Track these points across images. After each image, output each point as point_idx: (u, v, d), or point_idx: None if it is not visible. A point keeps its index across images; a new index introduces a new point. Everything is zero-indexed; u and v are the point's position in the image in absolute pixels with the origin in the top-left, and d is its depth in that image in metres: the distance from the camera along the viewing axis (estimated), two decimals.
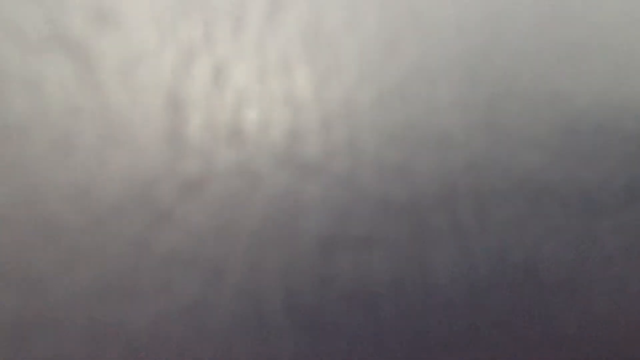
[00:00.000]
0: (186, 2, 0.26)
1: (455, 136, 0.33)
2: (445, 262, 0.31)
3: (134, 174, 0.25)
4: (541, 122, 0.36)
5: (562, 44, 0.37)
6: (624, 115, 0.38)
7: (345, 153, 0.29)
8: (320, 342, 0.27)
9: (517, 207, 0.34)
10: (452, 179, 0.32)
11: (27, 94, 0.23)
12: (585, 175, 0.37)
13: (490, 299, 0.33)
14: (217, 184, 0.26)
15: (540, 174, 0.35)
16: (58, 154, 0.23)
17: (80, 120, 0.24)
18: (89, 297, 0.23)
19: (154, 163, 0.25)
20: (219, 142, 0.26)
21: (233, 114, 0.27)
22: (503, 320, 0.33)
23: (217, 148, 0.26)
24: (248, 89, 0.27)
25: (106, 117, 0.24)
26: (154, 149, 0.25)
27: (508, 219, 0.34)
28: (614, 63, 0.38)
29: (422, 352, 0.30)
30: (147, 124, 0.25)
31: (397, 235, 0.30)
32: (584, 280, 0.36)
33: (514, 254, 0.34)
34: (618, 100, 0.38)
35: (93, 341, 0.23)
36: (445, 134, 0.33)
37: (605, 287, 0.37)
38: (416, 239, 0.31)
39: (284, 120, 0.28)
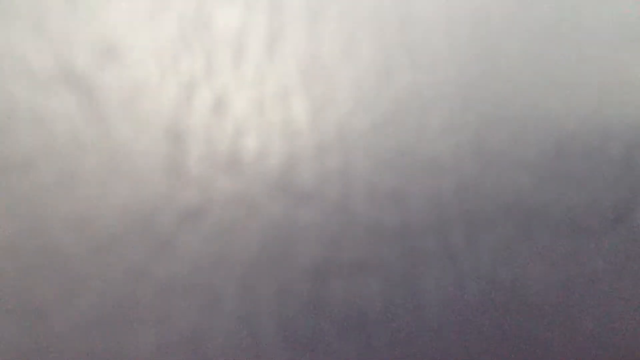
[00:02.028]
0: (187, 35, 0.27)
1: (446, 161, 0.34)
2: (436, 285, 0.32)
3: (135, 203, 0.25)
4: (529, 146, 0.37)
5: (550, 71, 0.38)
6: (609, 140, 0.39)
7: (339, 180, 0.30)
8: None
9: (506, 230, 0.35)
10: (443, 203, 0.33)
11: (34, 128, 0.24)
12: (573, 198, 0.38)
13: (480, 320, 0.34)
14: (215, 212, 0.27)
15: (528, 197, 0.36)
16: (62, 185, 0.24)
17: (84, 153, 0.25)
18: (90, 325, 0.24)
19: (155, 193, 0.26)
20: (218, 171, 0.27)
21: (232, 144, 0.28)
22: (493, 342, 0.34)
23: (216, 177, 0.27)
24: (246, 118, 0.28)
25: (109, 149, 0.25)
26: (155, 179, 0.26)
27: (497, 242, 0.35)
28: (600, 89, 0.39)
29: None
30: (148, 155, 0.26)
31: (390, 259, 0.31)
32: (571, 301, 0.37)
33: (503, 275, 0.35)
34: (604, 125, 0.39)
35: None
36: (436, 159, 0.33)
37: (592, 307, 0.38)
38: (408, 263, 0.32)
39: (281, 149, 0.29)
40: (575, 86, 0.38)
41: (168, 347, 0.25)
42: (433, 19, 0.34)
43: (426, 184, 0.33)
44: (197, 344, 0.25)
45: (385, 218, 0.31)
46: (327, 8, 0.31)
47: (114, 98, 0.25)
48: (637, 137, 0.40)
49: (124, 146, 0.25)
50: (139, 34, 0.26)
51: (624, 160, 0.40)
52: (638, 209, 0.40)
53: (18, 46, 0.24)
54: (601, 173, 0.39)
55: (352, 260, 0.30)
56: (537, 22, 0.37)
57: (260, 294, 0.27)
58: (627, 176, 0.40)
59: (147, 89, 0.26)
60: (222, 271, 0.27)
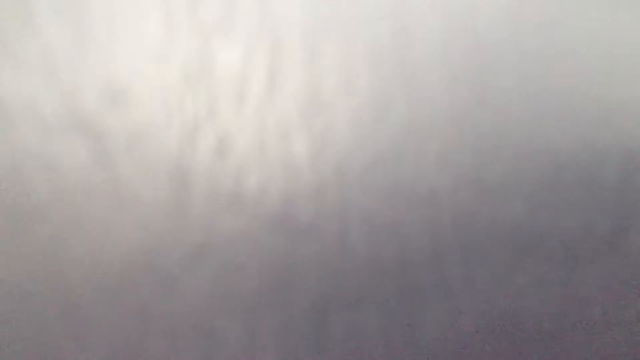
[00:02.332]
0: (192, 77, 0.28)
1: (442, 193, 0.34)
2: (434, 317, 0.33)
3: (141, 242, 0.26)
4: (525, 175, 0.38)
5: (545, 100, 0.38)
6: (604, 167, 0.40)
7: (338, 216, 0.31)
8: None
9: (502, 259, 0.36)
10: (440, 236, 0.34)
11: (43, 172, 0.24)
12: (567, 226, 0.39)
13: (477, 351, 0.34)
14: (219, 250, 0.28)
15: (524, 226, 0.37)
16: (71, 227, 0.25)
17: (93, 195, 0.25)
18: None
19: (160, 232, 0.26)
20: (221, 209, 0.28)
21: (234, 183, 0.28)
22: None
23: (219, 216, 0.28)
24: (248, 157, 0.29)
25: (116, 190, 0.26)
26: (160, 219, 0.26)
27: (493, 272, 0.36)
28: (594, 118, 0.40)
29: None
30: (154, 195, 0.26)
31: (388, 294, 0.32)
32: (567, 328, 0.38)
33: (499, 305, 0.35)
34: (598, 153, 0.40)
35: None
36: (433, 192, 0.34)
37: (587, 334, 0.38)
38: (406, 296, 0.32)
39: (282, 187, 0.30)
40: (569, 117, 0.39)
41: None
42: (429, 55, 0.35)
43: (423, 217, 0.34)
44: None
45: (383, 252, 0.32)
46: (325, 47, 0.31)
47: (121, 140, 0.26)
48: (631, 164, 0.41)
49: (131, 187, 0.26)
50: (144, 77, 0.27)
51: (618, 187, 0.40)
52: (632, 235, 0.40)
53: (27, 91, 0.25)
54: (595, 200, 0.39)
55: (351, 295, 0.31)
56: (532, 52, 0.38)
57: (263, 330, 0.28)
58: (621, 203, 0.40)
59: (153, 131, 0.27)
60: (226, 308, 0.27)
